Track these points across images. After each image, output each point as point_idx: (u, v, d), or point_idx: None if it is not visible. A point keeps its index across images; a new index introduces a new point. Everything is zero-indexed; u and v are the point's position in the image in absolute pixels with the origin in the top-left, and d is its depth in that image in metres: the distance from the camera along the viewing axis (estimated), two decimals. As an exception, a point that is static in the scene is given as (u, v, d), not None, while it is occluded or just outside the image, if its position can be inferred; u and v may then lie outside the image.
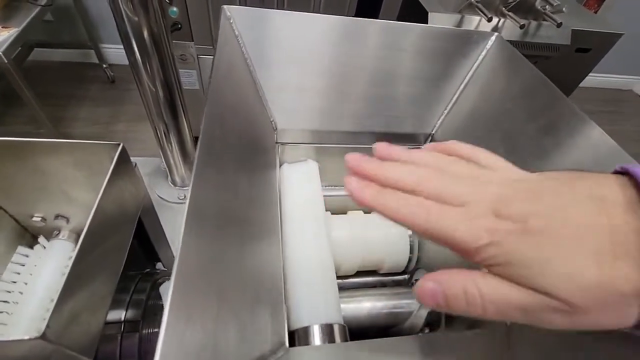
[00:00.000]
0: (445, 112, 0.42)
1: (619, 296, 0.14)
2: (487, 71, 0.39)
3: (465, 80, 0.40)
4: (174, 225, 0.63)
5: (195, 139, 0.64)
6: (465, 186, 0.17)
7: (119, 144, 0.25)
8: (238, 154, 0.28)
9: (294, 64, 0.41)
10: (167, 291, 0.35)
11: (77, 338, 0.20)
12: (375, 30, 0.42)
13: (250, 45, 0.36)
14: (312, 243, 0.37)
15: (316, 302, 0.31)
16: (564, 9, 1.30)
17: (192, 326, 0.16)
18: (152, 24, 0.44)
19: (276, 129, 0.40)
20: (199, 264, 0.18)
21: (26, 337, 0.16)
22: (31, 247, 0.32)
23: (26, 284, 0.29)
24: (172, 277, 0.16)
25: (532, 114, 0.34)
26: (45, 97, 1.57)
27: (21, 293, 0.29)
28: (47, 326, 0.17)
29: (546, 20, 1.26)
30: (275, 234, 0.34)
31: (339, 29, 0.41)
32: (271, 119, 0.40)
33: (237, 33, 0.35)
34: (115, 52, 1.90)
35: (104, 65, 1.84)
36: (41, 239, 0.31)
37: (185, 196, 0.66)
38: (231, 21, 0.34)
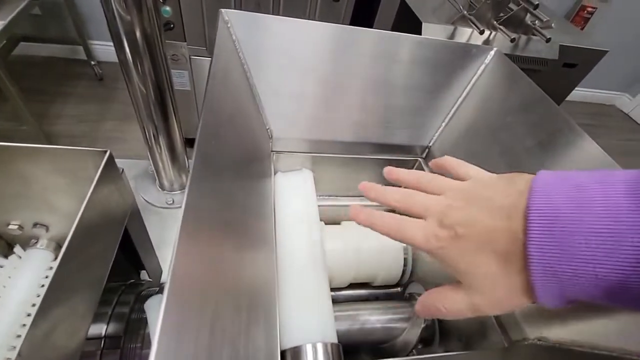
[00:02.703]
0: (443, 124, 0.42)
1: (514, 286, 0.18)
2: (485, 85, 0.39)
3: (464, 94, 0.40)
4: (161, 231, 0.61)
5: (186, 141, 0.62)
6: (426, 203, 0.22)
7: (105, 151, 0.24)
8: (233, 162, 0.27)
9: (291, 71, 0.40)
10: (155, 307, 0.33)
11: (55, 357, 0.18)
12: (374, 39, 0.41)
13: (247, 51, 0.35)
14: (307, 255, 0.36)
15: (309, 319, 0.30)
16: (552, 24, 1.34)
17: (184, 345, 0.15)
18: (145, 24, 0.42)
19: (272, 137, 0.39)
20: (193, 279, 0.17)
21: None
22: (5, 256, 0.30)
23: (-1, 296, 0.27)
24: (165, 293, 0.14)
25: (531, 129, 0.34)
26: (29, 93, 1.52)
27: (-7, 306, 0.27)
28: (19, 354, 0.15)
29: (535, 35, 1.29)
30: (269, 245, 0.32)
31: (339, 38, 0.41)
32: (267, 127, 0.39)
33: (234, 38, 0.34)
34: (104, 49, 1.86)
35: (92, 62, 1.79)
36: (17, 249, 0.29)
37: (173, 201, 0.64)
38: (229, 25, 0.33)
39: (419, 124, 0.43)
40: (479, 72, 0.39)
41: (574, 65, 1.51)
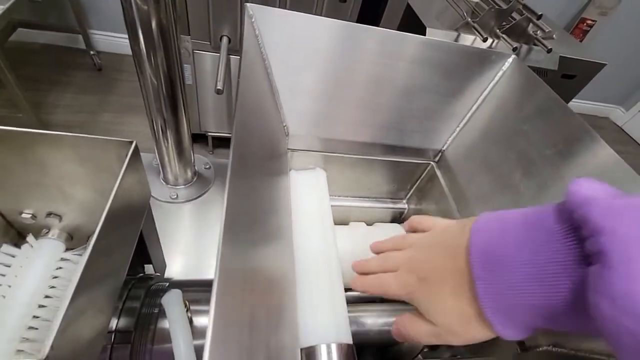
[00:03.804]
0: (457, 129, 0.42)
1: (469, 318, 0.20)
2: (502, 91, 0.39)
3: (480, 99, 0.40)
4: (165, 225, 0.60)
5: (193, 136, 0.61)
6: (397, 259, 0.26)
7: (131, 142, 0.23)
8: (258, 159, 0.27)
9: (308, 68, 0.39)
10: (174, 301, 0.32)
11: (77, 355, 0.17)
12: (391, 40, 0.41)
13: (269, 46, 0.34)
14: (322, 257, 0.36)
15: (325, 321, 0.30)
16: (554, 35, 1.35)
17: (231, 345, 0.14)
18: (162, 15, 0.42)
19: (288, 134, 0.39)
20: (235, 278, 0.17)
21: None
22: (17, 245, 0.29)
23: (10, 286, 0.27)
24: (214, 292, 0.14)
25: (547, 135, 0.34)
26: (26, 80, 1.49)
27: (4, 297, 0.26)
28: (51, 348, 0.14)
29: (537, 45, 1.30)
30: (289, 243, 0.32)
31: (356, 37, 0.40)
32: (284, 124, 0.38)
33: (257, 33, 0.33)
34: (104, 39, 1.83)
35: (92, 52, 1.76)
36: (29, 238, 0.28)
37: (177, 195, 0.63)
38: (253, 20, 0.33)
39: (433, 127, 0.43)
40: (497, 78, 0.39)
41: (572, 76, 1.53)
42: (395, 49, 0.41)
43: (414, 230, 0.28)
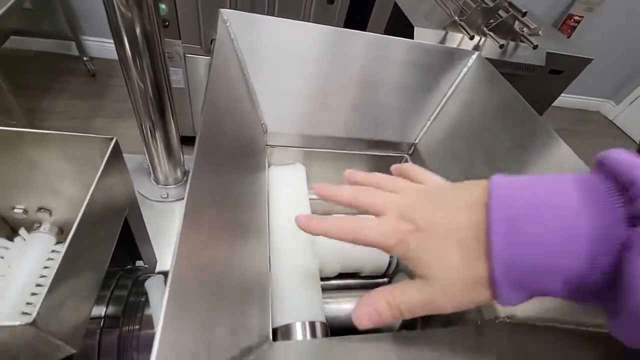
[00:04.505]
0: (428, 123, 0.45)
1: (474, 279, 0.18)
2: (467, 87, 0.41)
3: (447, 95, 0.43)
4: (156, 223, 0.62)
5: (182, 138, 0.63)
6: (385, 199, 0.22)
7: (112, 138, 0.25)
8: (231, 155, 0.29)
9: (286, 69, 0.42)
10: (156, 285, 0.35)
11: (64, 328, 0.19)
12: (366, 41, 0.44)
13: (245, 49, 0.37)
14: (298, 245, 0.38)
15: (299, 301, 0.32)
16: (540, 32, 1.38)
17: (187, 322, 0.17)
18: (145, 21, 0.44)
19: (266, 131, 0.41)
20: (195, 263, 0.19)
21: (17, 323, 0.16)
22: (10, 239, 0.31)
23: (4, 276, 0.29)
24: (170, 274, 0.16)
25: (509, 130, 0.37)
26: (19, 88, 1.50)
27: (-2, 286, 0.28)
28: (38, 313, 0.17)
29: (523, 42, 1.33)
30: (263, 235, 0.34)
31: (332, 39, 0.43)
32: (262, 122, 0.41)
33: (232, 36, 0.36)
34: (97, 45, 1.85)
35: (85, 58, 1.78)
36: (22, 231, 0.30)
37: (168, 194, 0.66)
38: (227, 24, 0.35)
39: (406, 122, 0.46)
40: (462, 74, 0.42)
41: (560, 71, 1.56)
42: (368, 50, 0.44)
43: (403, 177, 0.25)
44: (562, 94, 1.60)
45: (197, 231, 0.20)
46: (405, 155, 0.48)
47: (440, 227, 0.19)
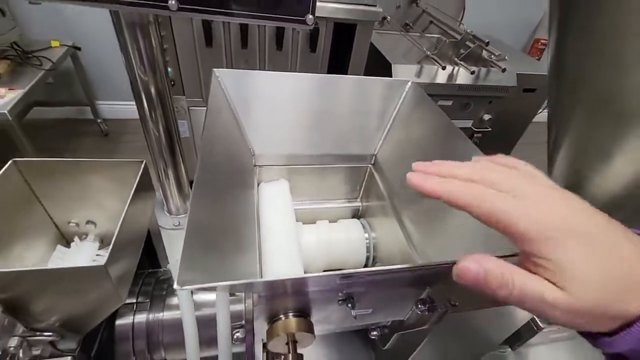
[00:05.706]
0: (382, 138, 0.56)
1: (620, 311, 0.16)
2: (406, 109, 0.53)
3: (393, 115, 0.55)
4: (170, 248, 0.72)
5: (190, 182, 0.75)
6: (520, 182, 0.19)
7: (142, 161, 0.37)
8: (225, 176, 0.40)
9: (267, 107, 0.54)
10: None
11: (119, 280, 0.29)
12: (326, 81, 0.56)
13: (234, 97, 0.49)
14: (285, 246, 0.48)
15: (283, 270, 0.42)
16: (506, 57, 1.54)
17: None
18: (158, 82, 0.57)
19: (254, 154, 0.53)
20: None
21: (93, 263, 0.26)
22: (65, 246, 0.42)
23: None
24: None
25: (437, 136, 0.48)
26: (40, 151, 1.67)
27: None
28: (107, 262, 0.27)
29: (493, 67, 1.48)
30: (253, 242, 0.44)
31: (301, 82, 0.56)
32: (250, 147, 0.52)
33: (223, 87, 0.48)
34: (109, 108, 2.06)
35: (98, 120, 1.98)
36: (76, 239, 0.41)
37: (179, 223, 0.76)
38: (219, 79, 0.48)
39: (367, 138, 0.57)
40: (402, 98, 0.54)
41: (533, 90, 1.72)
42: (331, 87, 0.56)
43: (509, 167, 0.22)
44: (542, 110, 1.75)
45: (197, 244, 0.30)
46: (369, 165, 0.59)
47: (604, 246, 0.17)
